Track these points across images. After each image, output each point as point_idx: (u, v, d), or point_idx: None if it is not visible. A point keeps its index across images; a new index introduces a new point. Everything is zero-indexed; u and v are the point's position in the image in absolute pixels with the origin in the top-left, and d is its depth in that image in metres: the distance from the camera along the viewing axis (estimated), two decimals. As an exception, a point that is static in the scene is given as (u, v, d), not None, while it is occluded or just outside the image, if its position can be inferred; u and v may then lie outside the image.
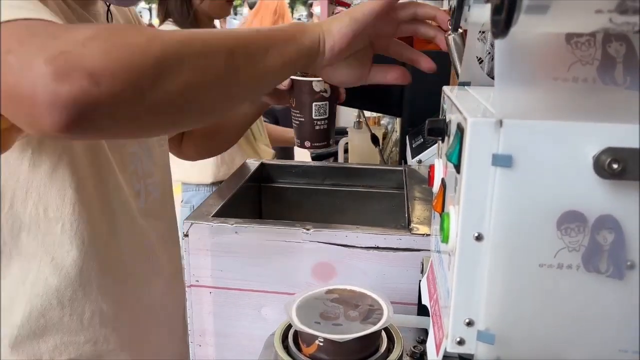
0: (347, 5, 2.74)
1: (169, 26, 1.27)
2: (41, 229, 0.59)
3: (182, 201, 1.47)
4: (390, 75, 0.61)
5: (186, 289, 0.62)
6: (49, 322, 0.60)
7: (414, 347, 0.51)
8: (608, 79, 0.29)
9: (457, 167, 0.32)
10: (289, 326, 0.48)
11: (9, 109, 0.39)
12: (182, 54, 0.41)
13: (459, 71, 0.57)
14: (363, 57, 0.58)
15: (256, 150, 1.41)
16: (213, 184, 1.43)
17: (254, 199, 0.87)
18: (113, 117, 0.38)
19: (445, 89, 0.44)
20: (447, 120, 0.40)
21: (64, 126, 0.36)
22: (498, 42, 0.33)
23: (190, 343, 0.64)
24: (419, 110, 1.02)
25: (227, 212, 0.65)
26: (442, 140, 0.41)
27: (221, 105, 0.47)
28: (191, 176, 1.42)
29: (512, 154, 0.29)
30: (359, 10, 0.53)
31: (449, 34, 0.56)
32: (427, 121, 0.40)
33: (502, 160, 0.30)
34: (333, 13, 2.68)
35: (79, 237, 0.59)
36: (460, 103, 0.35)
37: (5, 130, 0.46)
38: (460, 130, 0.32)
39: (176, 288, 0.71)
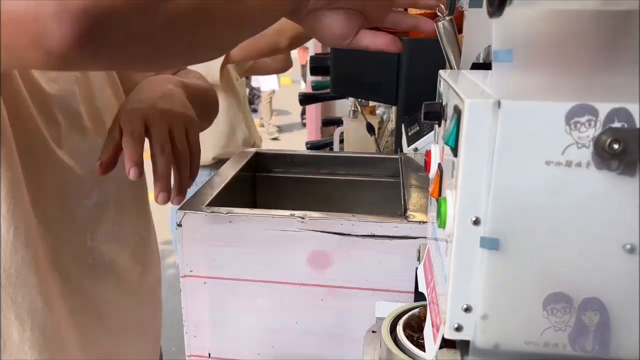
0: None
1: None
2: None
3: None
4: (380, 40, 0.56)
5: (180, 279, 0.61)
6: (7, 339, 0.54)
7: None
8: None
9: (454, 150, 0.32)
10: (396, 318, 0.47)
11: (12, 36, 0.34)
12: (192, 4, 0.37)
13: (450, 58, 0.56)
14: (352, 17, 0.53)
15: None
16: (218, 162, 1.45)
17: (249, 188, 0.86)
18: (128, 29, 0.35)
19: (442, 72, 0.43)
20: (444, 103, 0.39)
21: (76, 39, 0.32)
22: (495, 22, 0.32)
23: (185, 334, 0.64)
24: (414, 98, 1.01)
25: (221, 201, 0.64)
26: (439, 125, 0.41)
27: (225, 34, 0.44)
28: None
29: (511, 135, 0.29)
30: None
31: (439, 20, 0.55)
32: (423, 104, 0.40)
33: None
34: None
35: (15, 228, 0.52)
36: (457, 85, 0.34)
37: None
38: (457, 112, 0.31)
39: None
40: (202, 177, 1.57)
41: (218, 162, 1.53)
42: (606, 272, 0.30)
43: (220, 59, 1.20)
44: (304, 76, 5.49)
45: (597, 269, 0.30)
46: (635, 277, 0.29)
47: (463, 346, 0.34)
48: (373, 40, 0.56)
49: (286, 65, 1.77)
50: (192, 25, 0.40)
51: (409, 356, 0.43)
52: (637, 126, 0.27)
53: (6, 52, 0.35)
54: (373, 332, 0.51)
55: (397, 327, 0.47)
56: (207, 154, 1.45)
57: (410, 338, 0.45)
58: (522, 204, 0.30)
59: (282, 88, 7.10)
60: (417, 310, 0.49)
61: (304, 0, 0.49)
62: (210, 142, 1.42)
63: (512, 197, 0.30)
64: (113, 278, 0.66)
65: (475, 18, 0.46)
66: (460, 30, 0.55)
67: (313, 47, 2.81)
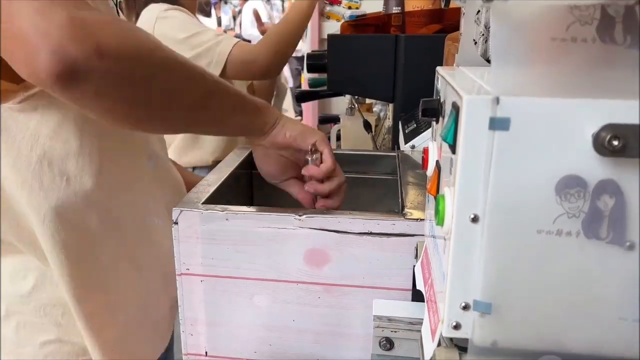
0: (339, 3, 2.72)
1: (156, 4, 1.25)
2: (44, 184, 0.59)
3: None
4: (300, 195, 0.68)
5: (177, 277, 0.61)
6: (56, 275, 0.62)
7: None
8: (608, 39, 0.29)
9: (453, 147, 0.32)
10: None
11: (9, 46, 0.42)
12: (176, 74, 0.49)
13: None
14: (289, 166, 0.67)
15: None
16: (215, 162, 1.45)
17: (245, 185, 0.85)
18: (97, 90, 0.43)
19: (439, 69, 0.43)
20: (442, 100, 0.38)
21: (55, 75, 0.40)
22: (493, 17, 0.32)
23: (181, 332, 0.63)
24: (411, 96, 1.01)
25: (218, 199, 0.64)
26: (437, 121, 0.41)
27: (180, 125, 0.57)
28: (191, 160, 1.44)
29: (510, 131, 0.29)
30: (310, 133, 0.63)
31: None
32: (421, 101, 0.39)
33: (500, 124, 0.29)
34: (323, 10, 2.66)
35: (83, 191, 0.61)
36: (454, 82, 0.34)
37: (4, 84, 0.52)
38: (455, 109, 0.31)
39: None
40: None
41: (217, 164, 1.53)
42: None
43: (221, 65, 1.20)
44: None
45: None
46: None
47: (461, 344, 0.34)
48: (296, 192, 0.69)
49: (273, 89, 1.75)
50: (150, 111, 0.50)
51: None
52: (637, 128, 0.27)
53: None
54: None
55: None
56: (207, 157, 1.45)
57: None
58: (521, 196, 0.29)
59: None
60: None
61: (259, 136, 0.63)
62: (210, 144, 1.42)
63: (510, 194, 0.29)
64: (158, 240, 0.72)
65: (473, 12, 0.46)
66: (457, 27, 0.55)
67: (310, 45, 2.80)
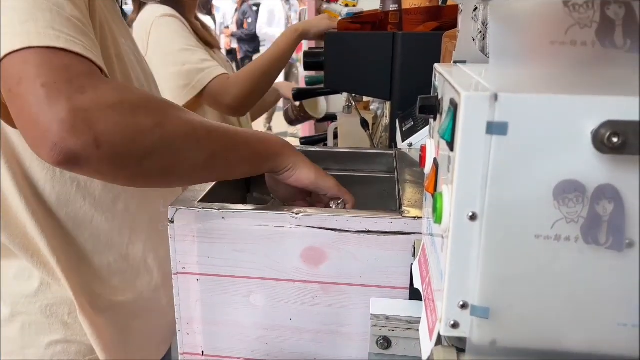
0: (336, 0, 2.73)
1: (155, 5, 1.24)
2: (55, 189, 0.62)
3: None
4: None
5: (172, 276, 0.60)
6: (93, 265, 0.66)
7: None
8: (608, 42, 0.28)
9: (451, 145, 0.31)
10: None
11: (24, 129, 0.47)
12: (176, 147, 0.50)
13: None
14: (299, 191, 0.67)
15: None
16: None
17: (242, 184, 0.85)
18: (97, 170, 0.48)
19: (437, 66, 0.43)
20: (440, 97, 0.38)
21: (56, 162, 0.45)
22: (492, 13, 0.31)
23: (178, 332, 0.63)
24: (408, 93, 1.00)
25: (214, 197, 0.63)
26: (434, 119, 0.40)
27: (185, 183, 0.59)
28: None
29: (509, 121, 0.28)
30: (324, 179, 0.64)
31: None
32: (418, 98, 0.39)
33: (498, 128, 0.28)
34: (320, 7, 2.66)
35: (91, 194, 0.64)
36: (453, 78, 0.34)
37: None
38: (454, 105, 0.31)
39: None
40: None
41: None
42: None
43: (196, 91, 1.20)
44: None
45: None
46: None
47: (459, 343, 0.34)
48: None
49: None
50: (151, 182, 0.55)
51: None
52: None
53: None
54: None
55: None
56: None
57: None
58: (519, 195, 0.29)
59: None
60: None
61: (273, 173, 0.63)
62: None
63: (508, 198, 0.29)
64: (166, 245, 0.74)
65: (471, 9, 0.46)
66: (454, 25, 0.55)
67: (307, 43, 2.80)
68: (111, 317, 0.68)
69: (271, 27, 5.49)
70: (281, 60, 1.27)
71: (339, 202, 0.66)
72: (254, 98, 1.27)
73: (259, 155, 0.60)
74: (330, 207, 0.66)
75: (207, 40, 1.31)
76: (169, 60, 1.19)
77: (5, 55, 0.46)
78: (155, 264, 0.74)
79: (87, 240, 0.66)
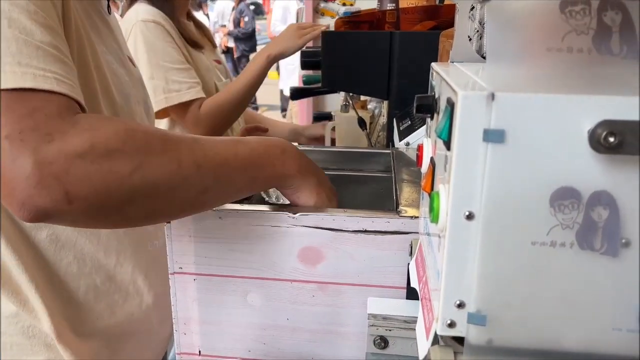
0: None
1: (142, 5, 1.22)
2: None
3: None
4: None
5: (169, 276, 0.60)
6: (71, 295, 0.63)
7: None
8: (604, 49, 0.28)
9: (447, 144, 0.31)
10: None
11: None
12: (160, 191, 0.45)
13: None
14: None
15: None
16: None
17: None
18: (74, 223, 0.46)
19: (434, 65, 0.42)
20: (437, 96, 0.38)
21: (27, 220, 0.42)
22: (489, 14, 0.31)
23: (174, 332, 0.63)
24: (405, 93, 1.00)
25: (211, 197, 0.63)
26: (431, 118, 0.40)
27: (178, 218, 0.54)
28: None
29: (505, 128, 0.28)
30: (326, 203, 0.59)
31: None
32: (415, 97, 0.39)
33: (494, 136, 0.28)
34: (318, 6, 2.66)
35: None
36: (449, 78, 0.34)
37: None
38: (450, 105, 0.31)
39: None
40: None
41: None
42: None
43: (166, 104, 1.19)
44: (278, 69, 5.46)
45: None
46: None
47: (456, 342, 0.34)
48: None
49: None
50: (134, 224, 0.54)
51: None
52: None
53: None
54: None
55: None
56: None
57: None
58: (515, 199, 0.29)
59: (270, 82, 7.05)
60: None
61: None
62: None
63: (505, 192, 0.29)
64: (158, 262, 0.72)
65: (467, 9, 0.46)
66: (451, 24, 0.54)
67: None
68: (98, 340, 0.66)
69: (285, 25, 5.48)
70: (254, 87, 1.24)
71: None
72: (224, 128, 1.25)
73: (258, 180, 0.55)
74: None
75: (193, 40, 1.27)
76: (149, 67, 1.16)
77: None
78: (145, 285, 0.71)
79: (71, 263, 0.63)
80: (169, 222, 0.56)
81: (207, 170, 0.48)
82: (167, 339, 0.80)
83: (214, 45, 1.41)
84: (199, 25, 1.38)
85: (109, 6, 0.70)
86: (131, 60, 0.79)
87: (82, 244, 0.63)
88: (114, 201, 0.43)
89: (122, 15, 1.27)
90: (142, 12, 1.19)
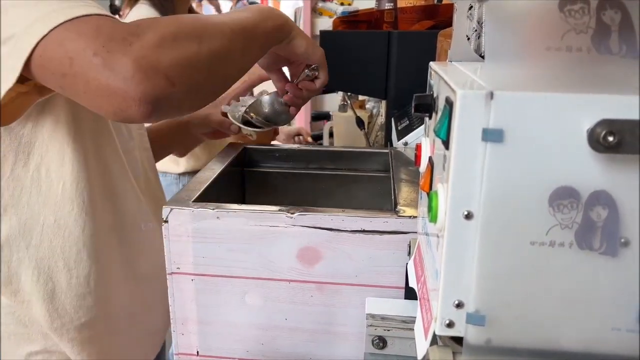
0: None
1: (143, 9, 1.22)
2: (42, 191, 0.60)
3: None
4: (278, 84, 0.79)
5: (167, 276, 0.60)
6: (57, 286, 0.62)
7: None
8: (603, 48, 0.28)
9: (446, 143, 0.31)
10: None
11: (99, 102, 0.46)
12: (220, 53, 0.52)
13: None
14: (280, 59, 0.73)
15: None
16: (183, 173, 1.40)
17: (237, 183, 0.85)
18: (180, 106, 0.50)
19: (433, 64, 0.42)
20: (435, 95, 0.38)
21: (148, 114, 0.46)
22: (488, 13, 0.31)
23: (172, 332, 0.63)
24: (404, 92, 1.00)
25: (209, 197, 0.63)
26: (430, 117, 0.40)
27: (242, 74, 0.60)
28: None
29: (503, 128, 0.28)
30: (313, 48, 0.70)
31: None
32: (414, 96, 0.39)
33: (493, 135, 0.28)
34: (316, 6, 2.65)
35: (80, 197, 0.61)
36: (448, 77, 0.33)
37: (21, 95, 0.52)
38: (449, 104, 0.31)
39: None
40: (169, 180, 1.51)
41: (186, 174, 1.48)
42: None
43: None
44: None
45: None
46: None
47: (454, 342, 0.34)
48: (276, 80, 0.79)
49: None
50: (220, 89, 0.56)
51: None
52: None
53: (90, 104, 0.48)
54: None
55: None
56: (200, 163, 1.42)
57: None
58: (514, 198, 0.29)
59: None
60: None
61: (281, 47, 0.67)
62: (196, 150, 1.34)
63: (504, 191, 0.29)
64: (153, 243, 0.72)
65: (466, 8, 0.46)
66: (450, 23, 0.54)
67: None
68: (91, 333, 0.66)
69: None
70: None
71: (313, 67, 0.72)
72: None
73: (271, 34, 0.63)
74: (304, 72, 0.73)
75: None
76: None
77: (36, 46, 0.45)
78: (139, 268, 0.71)
79: (69, 250, 0.63)
80: (242, 70, 0.60)
81: (238, 32, 0.56)
82: (164, 326, 0.80)
83: None
84: None
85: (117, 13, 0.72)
86: None
87: (79, 229, 0.62)
88: (200, 73, 0.50)
89: (122, 17, 1.26)
90: (144, 15, 1.19)
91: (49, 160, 0.59)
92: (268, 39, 0.63)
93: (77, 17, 0.46)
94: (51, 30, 0.45)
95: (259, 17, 0.61)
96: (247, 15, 0.60)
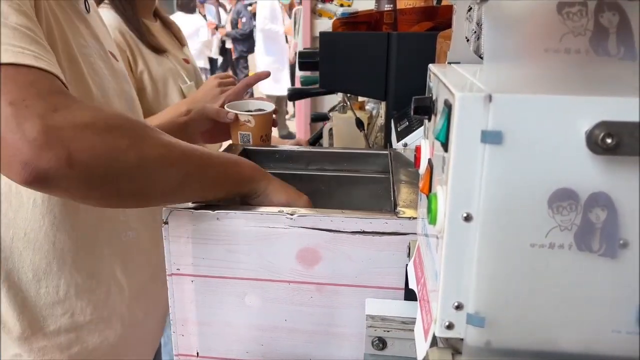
0: (331, 0, 2.71)
1: (105, 12, 1.19)
2: (13, 205, 0.60)
3: None
4: None
5: (167, 278, 0.60)
6: (27, 296, 0.62)
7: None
8: (601, 50, 0.28)
9: (445, 146, 0.31)
10: None
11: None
12: (151, 169, 0.49)
13: None
14: None
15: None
16: None
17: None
18: (67, 190, 0.46)
19: (432, 66, 0.42)
20: (434, 97, 0.38)
21: (26, 181, 0.44)
22: (487, 15, 0.31)
23: (172, 333, 0.63)
24: (403, 93, 1.00)
25: (209, 198, 0.63)
26: (429, 119, 0.40)
27: (159, 204, 0.56)
28: None
29: (502, 130, 0.28)
30: (295, 202, 0.61)
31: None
32: (413, 99, 0.39)
33: (492, 137, 0.28)
34: (315, 7, 2.66)
35: (51, 213, 0.61)
36: (447, 79, 0.34)
37: None
38: (448, 106, 0.31)
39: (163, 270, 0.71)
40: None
41: None
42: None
43: None
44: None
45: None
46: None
47: (454, 344, 0.34)
48: None
49: None
50: (124, 201, 0.53)
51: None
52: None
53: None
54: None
55: None
56: None
57: None
58: (513, 200, 0.29)
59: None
60: None
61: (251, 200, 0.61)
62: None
63: (503, 193, 0.29)
64: (137, 253, 0.73)
65: (465, 9, 0.46)
66: (449, 25, 0.55)
67: (302, 43, 2.79)
68: (60, 340, 0.66)
69: (275, 23, 5.41)
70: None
71: None
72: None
73: (232, 179, 0.59)
74: None
75: (153, 45, 1.18)
76: None
77: None
78: (124, 277, 0.71)
79: (51, 262, 0.63)
80: (162, 204, 0.57)
81: (190, 157, 0.54)
82: (158, 332, 0.80)
83: (182, 44, 1.35)
84: (166, 24, 1.29)
85: (87, 5, 0.71)
86: (114, 55, 0.78)
87: (49, 244, 0.62)
88: (111, 171, 0.46)
89: None
90: (106, 20, 1.14)
91: None
92: (229, 184, 0.58)
93: (23, 65, 0.45)
94: None
95: (228, 160, 0.59)
96: (215, 153, 0.58)
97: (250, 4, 6.23)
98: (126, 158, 0.46)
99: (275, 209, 0.57)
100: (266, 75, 1.09)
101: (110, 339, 0.71)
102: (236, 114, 0.86)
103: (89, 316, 0.67)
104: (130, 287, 0.72)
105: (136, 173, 0.48)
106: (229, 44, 6.63)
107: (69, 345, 0.66)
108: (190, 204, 0.59)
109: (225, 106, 0.87)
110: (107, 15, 1.15)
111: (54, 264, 0.63)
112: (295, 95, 1.60)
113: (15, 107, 0.43)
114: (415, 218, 0.54)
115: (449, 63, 0.47)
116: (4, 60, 0.44)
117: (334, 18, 1.28)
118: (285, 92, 1.57)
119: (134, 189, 0.50)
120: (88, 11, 0.71)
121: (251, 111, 0.87)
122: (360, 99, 1.59)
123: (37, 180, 0.44)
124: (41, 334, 0.64)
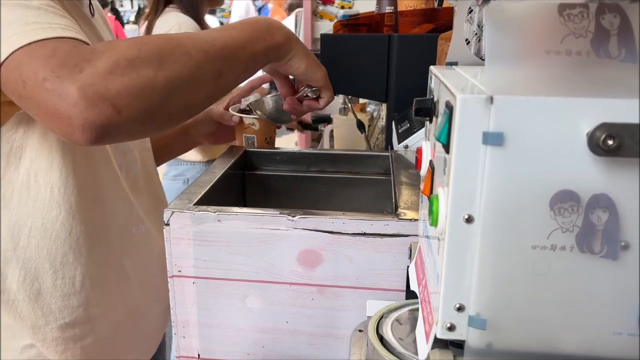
0: (332, 2, 2.72)
1: (173, 13, 1.26)
2: (31, 195, 0.61)
3: (172, 175, 1.48)
4: (282, 89, 0.76)
5: (168, 279, 0.60)
6: (42, 286, 0.63)
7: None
8: (602, 52, 0.28)
9: (446, 147, 0.31)
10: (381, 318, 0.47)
11: (49, 124, 0.49)
12: (182, 80, 0.51)
13: None
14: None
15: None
16: (209, 161, 1.45)
17: (238, 186, 0.85)
18: (129, 132, 0.51)
19: (433, 68, 0.42)
20: (435, 99, 0.38)
21: (92, 141, 0.47)
22: (488, 17, 0.31)
23: (173, 335, 0.63)
24: (404, 95, 1.00)
25: (210, 200, 0.63)
26: (430, 121, 0.40)
27: (209, 104, 0.58)
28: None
29: (504, 131, 0.28)
30: (315, 69, 0.66)
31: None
32: (414, 101, 0.39)
33: (493, 139, 0.28)
34: (316, 9, 2.66)
35: (67, 202, 0.62)
36: (448, 81, 0.34)
37: (4, 104, 0.54)
38: (449, 108, 0.31)
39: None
40: (198, 167, 1.58)
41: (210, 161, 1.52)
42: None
43: None
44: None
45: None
46: None
47: (456, 346, 0.34)
48: (281, 85, 0.76)
49: None
50: (177, 120, 0.55)
51: (395, 356, 0.42)
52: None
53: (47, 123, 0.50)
54: (360, 331, 0.50)
55: (385, 325, 0.46)
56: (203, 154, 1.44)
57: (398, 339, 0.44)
58: (515, 202, 0.29)
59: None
60: (406, 309, 0.49)
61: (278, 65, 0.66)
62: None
63: (505, 195, 0.29)
64: (145, 246, 0.73)
65: (465, 11, 0.46)
66: (450, 27, 0.55)
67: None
68: (75, 332, 0.66)
69: None
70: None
71: (314, 89, 0.70)
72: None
73: (261, 55, 0.60)
74: (305, 90, 0.71)
75: None
76: None
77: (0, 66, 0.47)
78: (132, 269, 0.72)
79: (67, 252, 0.64)
80: (217, 99, 0.59)
81: (213, 55, 0.54)
82: (164, 323, 0.80)
83: None
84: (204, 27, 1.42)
85: (92, 9, 0.71)
86: None
87: (65, 233, 0.63)
88: (153, 101, 0.49)
89: (149, 26, 1.29)
90: (173, 21, 1.23)
91: (38, 166, 0.60)
92: (256, 61, 0.60)
93: (34, 42, 0.47)
94: (11, 54, 0.47)
95: (250, 36, 0.58)
96: (234, 35, 0.57)
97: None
98: (158, 82, 0.49)
99: (276, 211, 0.57)
100: (270, 78, 1.11)
101: (120, 330, 0.71)
102: (241, 117, 0.86)
103: (102, 308, 0.67)
104: (137, 279, 0.73)
105: (173, 92, 0.50)
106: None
107: (83, 337, 0.66)
108: (190, 205, 0.59)
109: (229, 109, 0.88)
110: (184, 19, 1.25)
111: (70, 255, 0.63)
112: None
113: (49, 82, 0.46)
114: (417, 220, 0.54)
115: (447, 63, 0.47)
116: (28, 40, 0.47)
117: (335, 20, 1.28)
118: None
119: (180, 105, 0.52)
120: (93, 15, 0.72)
121: (253, 113, 0.87)
122: (361, 100, 1.59)
123: (100, 136, 0.47)
124: (55, 325, 0.64)
